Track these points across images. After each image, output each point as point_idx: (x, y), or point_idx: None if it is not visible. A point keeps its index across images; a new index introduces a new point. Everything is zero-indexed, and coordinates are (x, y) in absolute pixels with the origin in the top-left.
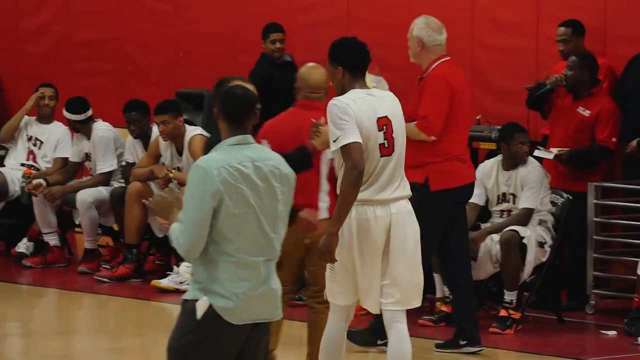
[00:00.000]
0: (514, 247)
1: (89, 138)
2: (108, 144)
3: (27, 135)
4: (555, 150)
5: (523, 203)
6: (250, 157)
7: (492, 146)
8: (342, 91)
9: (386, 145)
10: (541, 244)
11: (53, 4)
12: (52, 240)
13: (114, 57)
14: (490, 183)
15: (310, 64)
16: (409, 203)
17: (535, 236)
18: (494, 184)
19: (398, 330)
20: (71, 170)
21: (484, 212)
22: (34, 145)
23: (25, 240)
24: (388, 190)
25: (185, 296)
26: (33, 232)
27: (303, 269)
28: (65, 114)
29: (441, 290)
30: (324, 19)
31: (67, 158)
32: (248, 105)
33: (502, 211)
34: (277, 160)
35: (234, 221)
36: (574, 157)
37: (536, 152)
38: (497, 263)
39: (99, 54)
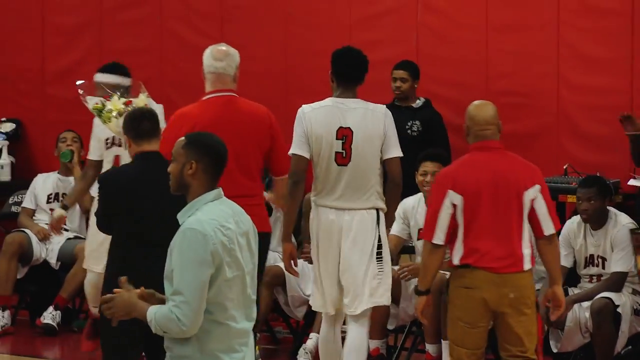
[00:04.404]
0: (607, 317)
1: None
2: None
3: (48, 195)
4: None
5: (614, 266)
6: (229, 213)
7: None
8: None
9: (343, 155)
10: (637, 312)
11: (84, 42)
12: None
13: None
14: (578, 243)
15: (477, 102)
16: (372, 215)
17: (630, 303)
18: (581, 245)
19: (351, 329)
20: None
21: (573, 275)
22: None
23: (51, 309)
24: (345, 200)
25: None
26: (60, 299)
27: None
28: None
29: None
30: (390, 56)
31: None
32: (226, 157)
33: (591, 276)
34: (247, 215)
35: (227, 286)
36: None
37: (631, 181)
38: (588, 333)
39: None
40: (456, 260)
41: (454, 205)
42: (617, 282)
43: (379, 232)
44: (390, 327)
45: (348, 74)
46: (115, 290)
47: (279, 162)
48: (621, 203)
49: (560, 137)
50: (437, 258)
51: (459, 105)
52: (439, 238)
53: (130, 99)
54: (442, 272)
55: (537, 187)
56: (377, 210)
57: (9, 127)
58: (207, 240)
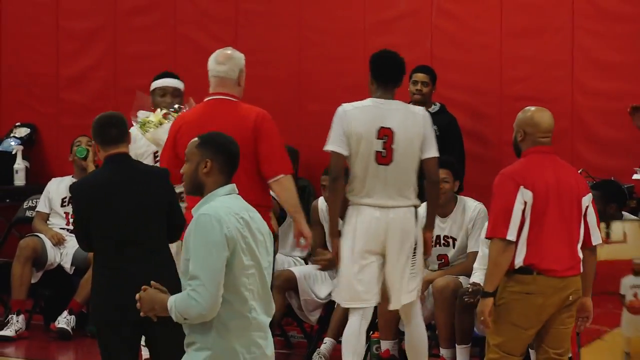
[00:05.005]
0: None
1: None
2: None
3: (62, 199)
4: None
5: None
6: (243, 207)
7: None
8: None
9: (384, 155)
10: None
11: (97, 47)
12: None
13: None
14: None
15: (535, 108)
16: (412, 213)
17: None
18: None
19: (410, 321)
20: None
21: None
22: None
23: (65, 313)
24: (390, 198)
25: None
26: (74, 304)
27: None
28: None
29: None
30: (404, 60)
31: None
32: (238, 156)
33: None
34: (258, 213)
35: (244, 275)
36: None
37: (635, 176)
38: None
39: None
40: (519, 260)
41: (525, 203)
42: None
43: (417, 230)
44: (403, 329)
45: (387, 75)
46: (144, 287)
47: (266, 164)
48: (636, 208)
49: (574, 142)
50: (508, 256)
51: (473, 110)
52: (512, 234)
53: (169, 112)
54: (454, 276)
55: (590, 195)
56: (415, 207)
57: (23, 132)
58: (222, 224)
